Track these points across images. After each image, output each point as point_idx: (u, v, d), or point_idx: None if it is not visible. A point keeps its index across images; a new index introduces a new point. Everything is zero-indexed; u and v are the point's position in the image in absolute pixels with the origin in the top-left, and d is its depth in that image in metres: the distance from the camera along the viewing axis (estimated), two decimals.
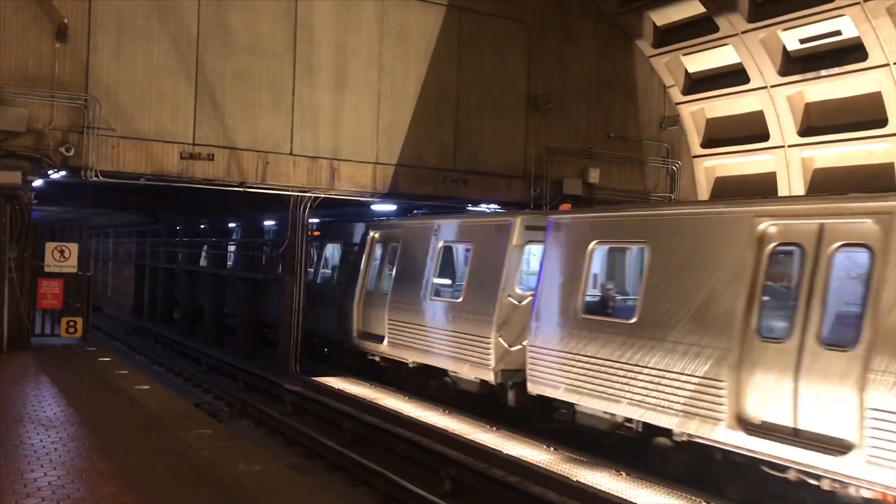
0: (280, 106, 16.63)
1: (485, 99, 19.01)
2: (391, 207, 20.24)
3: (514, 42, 19.38)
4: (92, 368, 14.10)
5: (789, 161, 18.85)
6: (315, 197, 17.44)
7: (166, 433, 9.44)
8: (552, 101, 19.65)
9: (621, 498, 9.33)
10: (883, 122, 16.71)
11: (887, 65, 16.22)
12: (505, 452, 11.10)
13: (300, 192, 17.24)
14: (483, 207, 19.52)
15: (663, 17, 20.12)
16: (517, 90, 19.50)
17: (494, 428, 12.70)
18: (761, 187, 19.25)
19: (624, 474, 10.34)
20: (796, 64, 18.17)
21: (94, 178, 15.01)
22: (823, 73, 17.62)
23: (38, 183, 15.48)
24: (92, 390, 12.02)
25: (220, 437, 9.66)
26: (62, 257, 16.58)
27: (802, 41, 17.84)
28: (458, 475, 10.79)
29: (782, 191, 18.89)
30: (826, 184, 18.20)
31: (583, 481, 9.89)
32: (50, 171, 15.14)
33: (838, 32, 16.96)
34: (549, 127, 19.81)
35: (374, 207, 20.11)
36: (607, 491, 9.53)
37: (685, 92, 20.87)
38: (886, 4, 15.63)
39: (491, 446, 11.40)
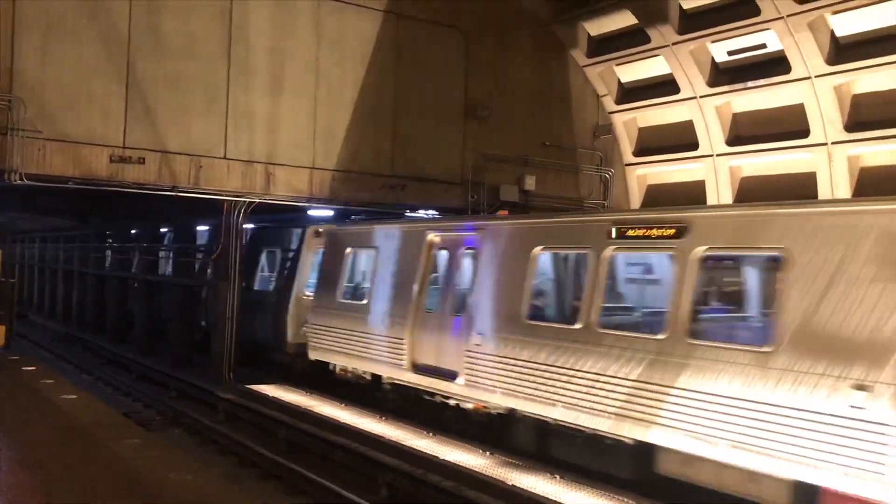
0: (214, 110, 16.39)
1: (423, 105, 19.07)
2: (328, 213, 20.14)
3: (451, 49, 19.50)
4: (15, 378, 13.64)
5: (718, 169, 19.40)
6: (250, 202, 17.24)
7: (94, 443, 9.20)
8: (489, 109, 19.82)
9: (555, 501, 9.44)
10: (805, 133, 17.34)
11: (809, 78, 16.84)
12: (441, 458, 11.13)
13: (234, 196, 17.00)
14: (422, 213, 19.57)
15: (597, 27, 20.51)
16: (455, 97, 19.61)
17: (431, 434, 12.73)
18: (691, 195, 19.76)
19: (558, 477, 10.47)
20: (724, 75, 18.73)
21: (19, 182, 14.52)
22: (750, 84, 18.19)
23: None
24: (15, 400, 11.63)
25: (151, 446, 9.47)
26: None
27: (730, 53, 18.41)
28: (394, 482, 10.79)
29: (711, 199, 19.42)
30: (754, 192, 18.78)
31: (518, 485, 9.97)
32: None
33: (763, 45, 17.55)
34: (486, 134, 19.97)
35: (311, 213, 19.98)
36: (542, 494, 9.64)
37: (618, 101, 21.30)
38: (808, 20, 16.24)
39: (427, 452, 11.41)
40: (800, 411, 7.95)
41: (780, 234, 8.69)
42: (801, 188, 17.41)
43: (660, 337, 9.66)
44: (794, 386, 8.06)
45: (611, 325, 10.72)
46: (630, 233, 10.55)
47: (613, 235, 10.73)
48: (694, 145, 19.73)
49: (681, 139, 20.07)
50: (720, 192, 19.40)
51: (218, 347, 17.80)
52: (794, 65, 16.98)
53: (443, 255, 13.98)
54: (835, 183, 16.95)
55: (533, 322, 11.59)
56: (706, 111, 19.18)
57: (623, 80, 21.13)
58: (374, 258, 15.19)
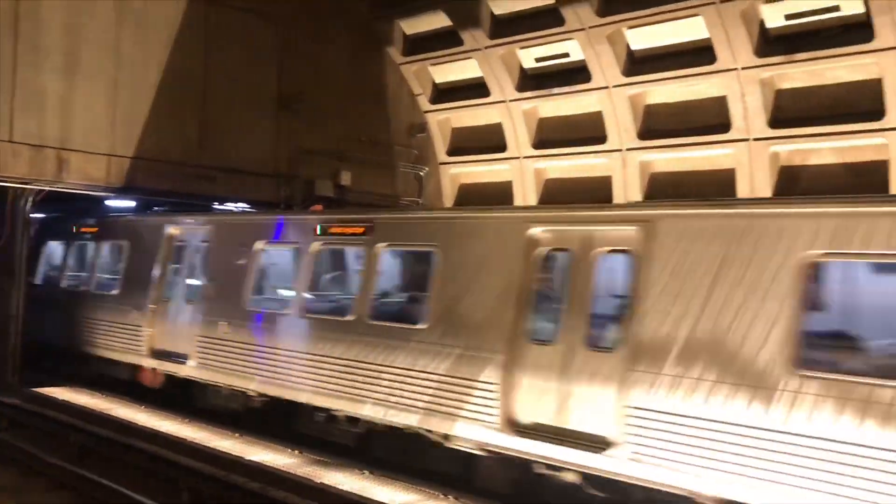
0: None
1: (234, 94, 18.42)
2: (130, 203, 19.04)
3: (264, 38, 18.98)
4: None
5: (524, 171, 20.24)
6: (40, 190, 15.92)
7: None
8: (305, 101, 19.49)
9: (363, 497, 9.49)
10: (602, 140, 18.48)
11: (607, 87, 17.96)
12: (247, 458, 10.87)
13: (20, 183, 15.63)
14: (231, 206, 18.93)
15: (412, 26, 20.75)
16: (268, 87, 19.10)
17: (238, 434, 12.39)
18: (500, 195, 20.49)
19: (367, 473, 10.55)
20: (531, 81, 19.56)
21: None
22: (555, 90, 19.11)
23: None
24: None
25: None
26: None
27: (537, 60, 19.25)
28: (197, 485, 10.37)
29: (518, 199, 20.23)
30: (558, 193, 19.76)
31: (326, 483, 9.95)
32: None
33: (567, 55, 18.51)
34: (301, 127, 19.60)
35: (109, 203, 18.81)
36: (350, 490, 9.67)
37: (432, 101, 21.64)
38: (607, 33, 17.32)
39: (232, 453, 11.12)
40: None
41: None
42: (598, 191, 18.53)
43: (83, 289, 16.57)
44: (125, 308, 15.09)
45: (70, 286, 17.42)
46: (83, 230, 17.47)
47: (76, 231, 17.55)
48: (503, 147, 20.46)
49: (491, 141, 20.73)
50: (526, 193, 20.26)
51: (1, 349, 16.29)
52: (593, 74, 18.04)
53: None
54: (628, 186, 18.21)
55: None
56: (514, 115, 19.95)
57: (437, 81, 21.51)
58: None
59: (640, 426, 7.73)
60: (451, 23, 19.63)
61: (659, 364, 7.72)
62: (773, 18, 15.60)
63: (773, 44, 15.73)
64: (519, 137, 20.10)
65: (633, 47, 17.60)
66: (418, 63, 21.13)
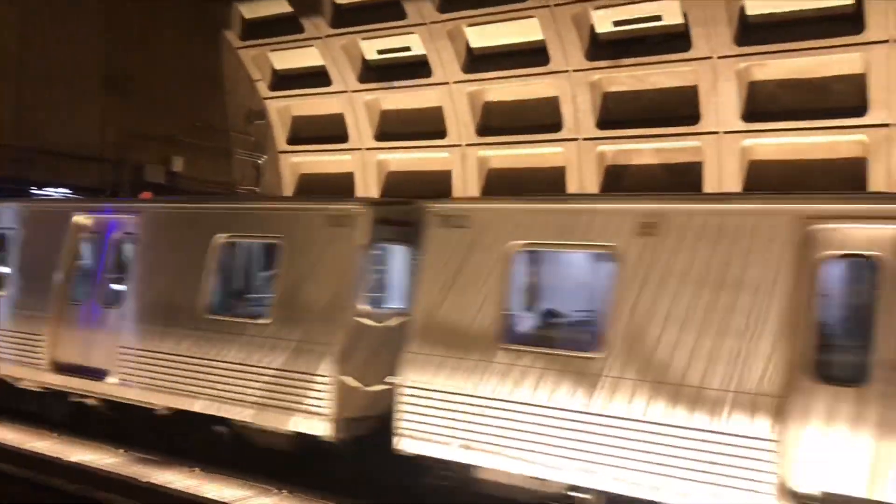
0: None
1: (54, 71, 17.23)
2: None
3: (89, 13, 17.89)
4: None
5: (366, 163, 20.24)
6: None
7: None
8: (135, 82, 18.54)
9: (193, 494, 9.21)
10: (443, 134, 18.81)
11: (447, 83, 18.28)
12: (66, 459, 10.26)
13: None
14: (52, 192, 17.72)
15: (251, 10, 20.23)
16: (93, 66, 18.03)
17: (55, 434, 11.66)
18: (342, 186, 20.38)
19: (198, 470, 10.20)
20: (374, 73, 19.58)
21: None
22: (396, 84, 19.24)
23: None
24: None
25: None
26: None
27: (380, 52, 19.30)
28: (7, 489, 9.68)
29: (360, 191, 20.21)
30: (400, 186, 19.92)
31: (154, 482, 9.56)
32: None
33: (409, 48, 18.68)
34: (130, 109, 18.65)
35: None
36: (179, 489, 9.34)
37: (272, 88, 21.20)
38: (447, 29, 17.63)
39: (50, 454, 10.44)
40: None
41: None
42: (439, 184, 18.83)
43: None
44: None
45: None
46: None
47: None
48: (344, 138, 20.35)
49: (332, 131, 20.58)
50: (368, 185, 20.27)
51: None
52: (434, 70, 18.31)
53: None
54: (467, 181, 18.64)
55: None
56: (356, 106, 19.89)
57: (277, 67, 21.08)
58: None
59: (124, 360, 10.67)
60: (292, 9, 19.29)
61: (137, 315, 10.74)
62: (603, 24, 16.45)
63: (602, 48, 16.60)
64: (361, 129, 20.07)
65: (472, 45, 18.01)
66: (257, 48, 20.62)
